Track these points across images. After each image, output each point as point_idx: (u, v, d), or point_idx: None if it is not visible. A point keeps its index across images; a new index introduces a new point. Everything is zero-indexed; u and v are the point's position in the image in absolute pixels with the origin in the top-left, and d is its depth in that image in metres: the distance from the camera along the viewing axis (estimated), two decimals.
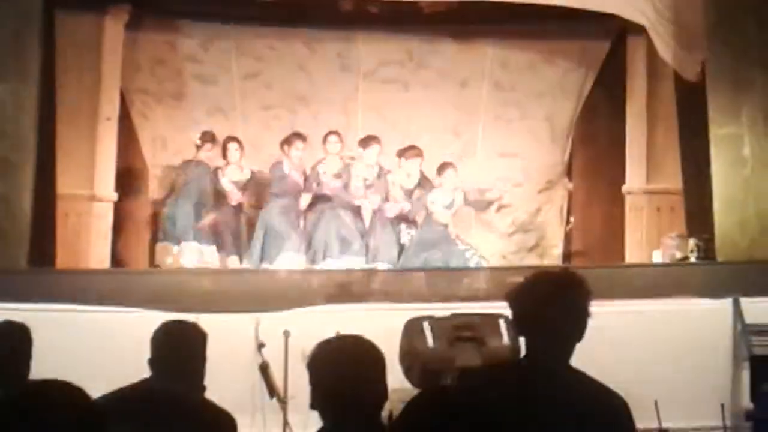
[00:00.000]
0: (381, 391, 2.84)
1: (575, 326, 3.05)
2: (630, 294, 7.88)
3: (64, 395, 2.18)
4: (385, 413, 2.88)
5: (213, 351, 3.94)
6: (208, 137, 10.75)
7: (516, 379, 3.01)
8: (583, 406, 2.95)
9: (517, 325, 3.10)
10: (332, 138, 10.59)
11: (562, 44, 12.03)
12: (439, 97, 12.07)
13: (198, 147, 10.68)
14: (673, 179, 10.83)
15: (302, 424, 6.59)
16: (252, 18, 11.78)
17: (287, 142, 10.65)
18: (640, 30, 10.52)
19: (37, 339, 4.25)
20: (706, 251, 9.18)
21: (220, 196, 10.57)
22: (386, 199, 10.34)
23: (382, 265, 9.80)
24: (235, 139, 10.84)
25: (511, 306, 3.11)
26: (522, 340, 3.14)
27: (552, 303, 3.03)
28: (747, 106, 8.99)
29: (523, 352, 3.20)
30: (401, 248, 10.26)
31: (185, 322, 4.00)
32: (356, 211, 10.46)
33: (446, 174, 10.28)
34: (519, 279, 3.18)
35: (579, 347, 3.10)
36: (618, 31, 11.64)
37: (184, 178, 10.64)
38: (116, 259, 10.99)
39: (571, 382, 3.02)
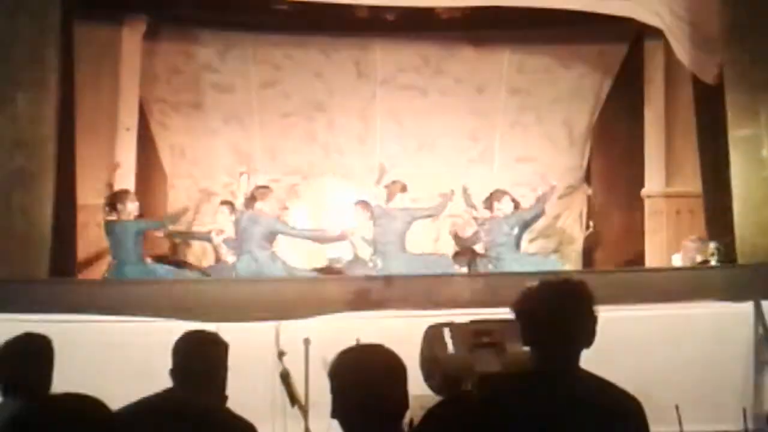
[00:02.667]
0: (402, 400, 2.84)
1: (581, 332, 3.05)
2: (650, 298, 7.84)
3: (84, 408, 2.19)
4: (405, 420, 2.88)
5: (234, 360, 3.95)
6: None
7: (532, 387, 3.01)
8: (598, 409, 2.96)
9: (523, 335, 3.11)
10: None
11: (578, 49, 12.03)
12: (457, 102, 12.08)
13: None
14: (692, 182, 10.80)
15: None
16: (269, 26, 11.82)
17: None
18: (657, 33, 10.50)
19: (58, 349, 4.26)
20: (727, 254, 9.15)
21: None
22: None
23: None
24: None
25: (517, 316, 3.12)
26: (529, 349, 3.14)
27: (555, 312, 3.04)
28: (765, 108, 8.95)
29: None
30: None
31: (206, 332, 4.01)
32: None
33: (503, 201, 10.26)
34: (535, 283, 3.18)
35: (599, 352, 3.09)
36: (635, 35, 11.63)
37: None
38: None
39: (585, 386, 3.02)
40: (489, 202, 10.24)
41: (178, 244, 11.49)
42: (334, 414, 2.83)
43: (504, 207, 10.13)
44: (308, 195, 11.84)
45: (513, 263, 9.76)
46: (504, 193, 10.30)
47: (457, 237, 10.93)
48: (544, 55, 12.10)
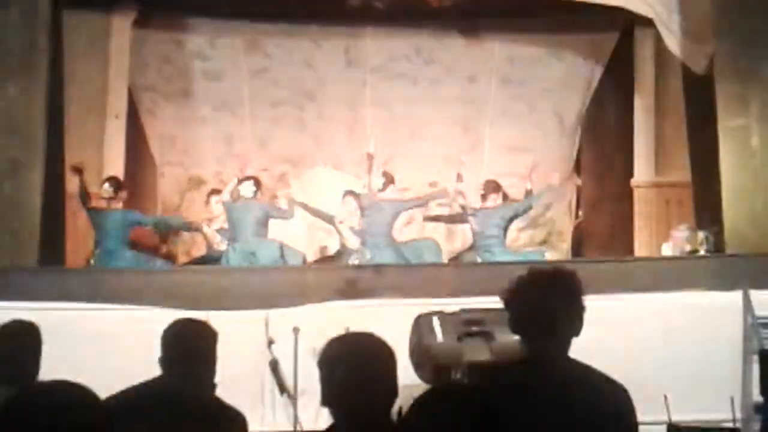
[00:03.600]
0: (391, 388, 2.84)
1: (571, 322, 3.06)
2: (639, 287, 7.86)
3: (72, 396, 2.18)
4: (394, 409, 2.88)
5: (223, 348, 3.94)
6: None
7: (520, 375, 3.02)
8: (586, 398, 2.97)
9: (512, 324, 3.12)
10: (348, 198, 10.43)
11: (569, 38, 12.02)
12: (447, 92, 12.07)
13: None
14: (681, 172, 10.82)
15: (313, 420, 6.59)
16: (259, 15, 11.78)
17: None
18: (647, 23, 10.50)
19: (47, 338, 4.26)
20: (716, 244, 9.17)
21: None
22: None
23: None
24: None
25: (506, 306, 3.13)
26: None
27: (544, 301, 3.05)
28: (755, 98, 8.97)
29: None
30: None
31: (196, 320, 4.00)
32: None
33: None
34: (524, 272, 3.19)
35: (588, 341, 3.11)
36: (625, 25, 11.62)
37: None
38: None
39: (574, 375, 3.04)
40: (485, 194, 10.26)
41: (167, 234, 11.47)
42: (324, 402, 2.83)
43: (498, 199, 10.20)
44: (298, 184, 11.82)
45: (502, 257, 9.78)
46: (498, 185, 10.34)
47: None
48: (534, 45, 12.09)
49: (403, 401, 2.87)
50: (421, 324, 6.48)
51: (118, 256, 9.80)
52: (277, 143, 11.94)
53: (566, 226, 12.09)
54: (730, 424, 6.84)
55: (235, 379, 4.65)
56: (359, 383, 2.78)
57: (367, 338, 2.91)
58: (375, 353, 2.86)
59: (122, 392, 3.64)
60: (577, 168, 12.30)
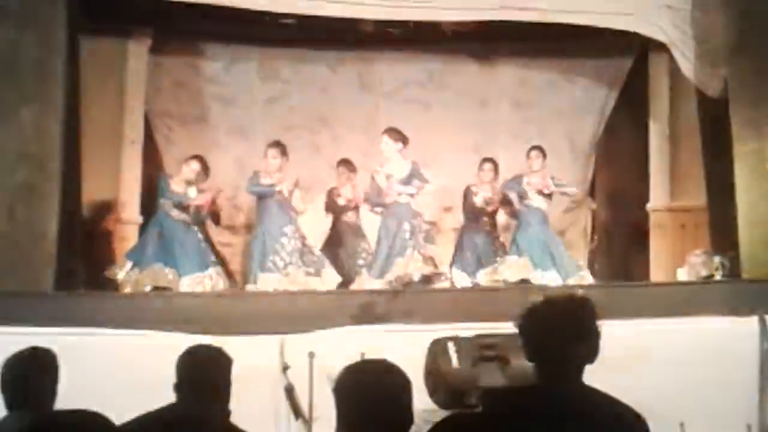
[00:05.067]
0: (406, 415, 2.84)
1: (585, 348, 3.06)
2: (655, 312, 7.84)
3: (89, 424, 2.19)
4: None
5: (238, 373, 3.95)
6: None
7: (535, 402, 3.01)
8: (602, 425, 2.96)
9: (526, 351, 3.11)
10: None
11: (582, 63, 12.05)
12: (460, 116, 12.10)
13: None
14: (697, 196, 10.80)
15: None
16: (274, 41, 11.85)
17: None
18: (661, 47, 10.50)
19: (63, 363, 4.27)
20: (732, 268, 9.14)
21: None
22: None
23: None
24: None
25: (520, 333, 3.12)
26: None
27: (558, 329, 3.04)
28: None
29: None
30: None
31: (210, 346, 4.01)
32: None
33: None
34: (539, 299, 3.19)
35: (603, 366, 3.10)
36: (639, 49, 11.63)
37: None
38: None
39: (588, 401, 3.02)
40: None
41: None
42: (339, 430, 2.83)
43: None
44: (312, 207, 11.83)
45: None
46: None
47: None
48: (547, 69, 12.12)
49: (418, 426, 2.87)
50: (436, 349, 6.48)
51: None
52: (290, 168, 11.95)
53: (581, 250, 12.06)
54: None
55: (250, 405, 4.64)
56: (375, 411, 2.78)
57: (383, 366, 2.90)
58: (391, 381, 2.85)
59: (137, 419, 3.64)
60: (592, 192, 12.30)
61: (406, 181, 10.09)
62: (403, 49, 12.00)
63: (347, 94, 12.14)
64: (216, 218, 10.35)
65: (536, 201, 10.29)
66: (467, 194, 10.60)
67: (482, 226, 10.61)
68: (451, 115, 12.09)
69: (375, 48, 12.02)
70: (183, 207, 9.86)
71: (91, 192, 10.60)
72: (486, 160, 10.70)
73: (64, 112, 9.05)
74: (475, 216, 10.60)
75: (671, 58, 10.44)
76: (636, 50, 11.71)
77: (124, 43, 11.35)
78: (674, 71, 10.81)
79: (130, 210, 11.24)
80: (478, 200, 10.46)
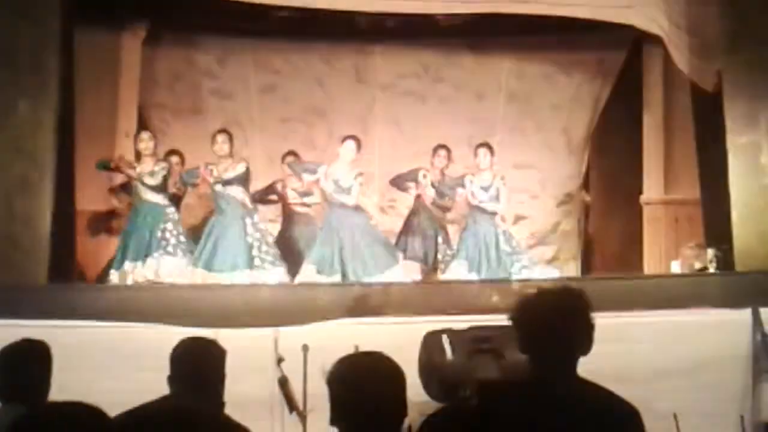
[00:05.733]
0: (400, 408, 2.84)
1: (579, 340, 3.06)
2: (648, 305, 7.85)
3: (82, 416, 2.20)
4: (404, 427, 2.88)
5: (232, 366, 3.95)
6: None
7: (529, 394, 3.02)
8: (596, 418, 2.97)
9: (521, 343, 3.12)
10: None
11: (577, 56, 12.04)
12: (456, 109, 12.10)
13: None
14: (691, 189, 10.80)
15: None
16: (269, 33, 11.83)
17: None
18: (656, 40, 10.50)
19: (57, 355, 4.27)
20: (725, 261, 9.15)
21: None
22: None
23: None
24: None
25: (514, 325, 3.13)
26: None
27: (552, 321, 3.05)
28: (764, 115, 8.97)
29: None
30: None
31: (204, 339, 4.02)
32: None
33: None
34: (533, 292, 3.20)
35: (597, 358, 3.11)
36: (634, 42, 11.63)
37: None
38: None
39: (582, 393, 3.03)
40: None
41: None
42: (333, 421, 2.84)
43: None
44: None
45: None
46: None
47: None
48: (543, 62, 12.12)
49: (411, 419, 2.88)
50: (430, 341, 6.49)
51: None
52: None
53: (575, 243, 12.08)
54: None
55: (244, 397, 4.65)
56: (368, 403, 2.79)
57: (377, 358, 2.91)
58: (384, 373, 2.86)
59: (131, 411, 3.64)
60: (586, 185, 12.31)
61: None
62: (399, 42, 11.99)
63: (343, 86, 12.13)
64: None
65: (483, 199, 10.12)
66: (413, 174, 10.58)
67: (433, 215, 10.58)
68: (447, 107, 12.09)
69: (370, 40, 12.01)
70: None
71: (85, 185, 10.57)
72: (440, 146, 10.63)
73: (59, 105, 9.04)
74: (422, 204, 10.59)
75: (665, 51, 10.45)
76: (630, 43, 11.71)
77: (118, 35, 11.33)
78: (668, 64, 10.81)
79: (124, 203, 11.21)
80: (424, 182, 10.40)
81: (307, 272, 9.58)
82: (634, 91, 11.80)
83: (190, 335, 4.10)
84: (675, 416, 6.38)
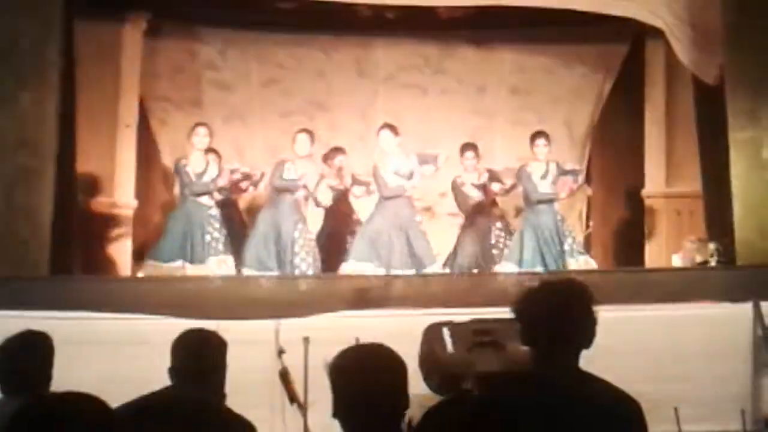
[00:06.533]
0: (401, 400, 2.84)
1: (581, 333, 3.07)
2: (650, 298, 7.85)
3: (84, 406, 2.20)
4: (405, 419, 2.88)
5: (233, 358, 3.95)
6: None
7: (531, 387, 3.02)
8: (597, 411, 2.97)
9: (523, 335, 3.12)
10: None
11: (579, 49, 12.03)
12: (457, 102, 12.10)
13: None
14: (692, 183, 10.80)
15: (323, 430, 6.59)
16: (270, 25, 11.83)
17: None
18: (658, 34, 10.50)
19: (58, 346, 4.27)
20: (726, 255, 9.15)
21: None
22: None
23: None
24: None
25: (516, 317, 3.13)
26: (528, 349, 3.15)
27: (555, 313, 3.05)
28: (766, 109, 8.96)
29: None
30: None
31: (205, 330, 4.01)
32: None
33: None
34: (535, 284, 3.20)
35: (598, 352, 3.11)
36: (636, 35, 11.62)
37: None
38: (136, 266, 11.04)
39: (584, 387, 3.03)
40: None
41: None
42: (335, 413, 2.84)
43: None
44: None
45: None
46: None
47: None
48: (545, 55, 12.11)
49: (412, 412, 2.88)
50: (432, 334, 6.49)
51: None
52: (287, 153, 11.95)
53: (576, 236, 12.07)
54: None
55: (245, 389, 4.65)
56: (369, 395, 2.78)
57: (378, 350, 2.91)
58: (385, 365, 2.85)
59: (132, 402, 3.64)
60: (588, 178, 12.30)
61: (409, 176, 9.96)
62: (400, 34, 11.98)
63: (344, 79, 12.13)
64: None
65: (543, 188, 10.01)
66: (455, 187, 10.51)
67: (485, 216, 10.50)
68: (449, 100, 12.10)
69: (371, 32, 12.00)
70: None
71: (87, 176, 10.59)
72: (467, 146, 10.60)
73: (60, 97, 9.04)
74: (474, 208, 10.53)
75: (668, 45, 10.44)
76: (632, 36, 11.70)
77: (119, 27, 11.33)
78: (670, 58, 10.80)
79: (125, 194, 11.23)
80: (467, 190, 10.37)
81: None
82: (635, 84, 11.79)
83: (192, 327, 4.10)
84: (676, 410, 6.39)
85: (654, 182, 11.60)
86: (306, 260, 9.68)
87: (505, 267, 9.79)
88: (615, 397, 3.05)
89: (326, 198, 10.17)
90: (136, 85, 11.42)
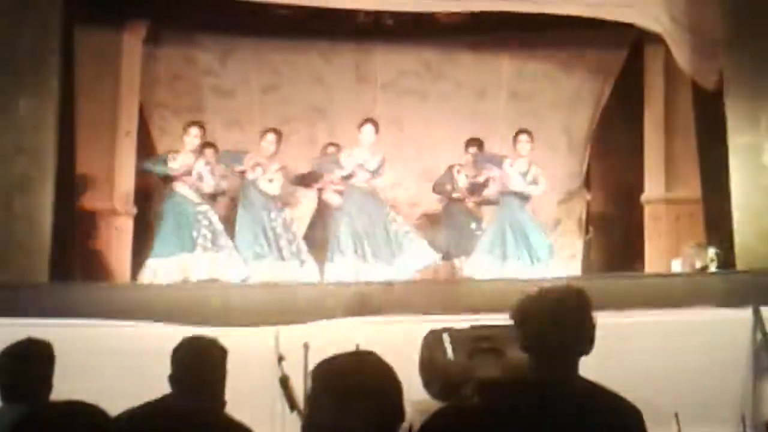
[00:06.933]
0: (393, 412, 2.69)
1: (581, 340, 3.06)
2: (649, 304, 7.85)
3: (83, 415, 2.20)
4: (405, 425, 2.86)
5: (233, 365, 3.96)
6: None
7: (531, 394, 3.02)
8: (597, 418, 2.97)
9: (522, 342, 3.11)
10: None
11: (579, 54, 12.05)
12: (457, 107, 12.11)
13: None
14: (692, 188, 10.80)
15: None
16: (269, 31, 11.84)
17: None
18: (657, 39, 10.50)
19: (59, 353, 4.27)
20: (726, 260, 9.15)
21: None
22: None
23: None
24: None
25: (515, 324, 3.12)
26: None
27: (554, 320, 3.05)
28: (766, 114, 8.97)
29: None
30: None
31: (205, 338, 4.02)
32: None
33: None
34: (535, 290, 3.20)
35: (598, 358, 3.10)
36: (635, 40, 11.63)
37: None
38: (136, 273, 11.03)
39: (584, 393, 3.03)
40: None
41: None
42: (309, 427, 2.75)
43: None
44: (306, 200, 11.83)
45: None
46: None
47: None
48: (544, 60, 12.13)
49: (412, 418, 2.87)
50: (432, 340, 6.49)
51: None
52: (287, 159, 11.95)
53: (576, 241, 12.08)
54: None
55: (245, 396, 4.65)
56: (349, 408, 2.66)
57: (360, 359, 2.83)
58: (370, 376, 2.73)
59: (132, 410, 3.65)
60: (587, 183, 12.31)
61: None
62: (399, 40, 12.00)
63: (344, 85, 12.14)
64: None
65: (518, 185, 10.15)
66: (448, 171, 10.69)
67: (461, 207, 10.66)
68: (448, 105, 12.10)
69: (371, 38, 12.01)
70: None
71: (86, 183, 10.59)
72: (473, 140, 10.68)
73: (59, 104, 9.04)
74: (452, 199, 10.67)
75: (667, 50, 10.45)
76: (631, 41, 11.71)
77: (119, 34, 11.35)
78: (670, 63, 10.81)
79: (125, 201, 11.23)
80: (459, 178, 10.48)
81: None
82: (635, 89, 11.80)
83: (192, 334, 4.10)
84: (676, 415, 6.39)
85: (653, 187, 11.60)
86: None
87: (477, 258, 9.95)
88: (615, 403, 3.04)
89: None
90: (135, 92, 11.44)
